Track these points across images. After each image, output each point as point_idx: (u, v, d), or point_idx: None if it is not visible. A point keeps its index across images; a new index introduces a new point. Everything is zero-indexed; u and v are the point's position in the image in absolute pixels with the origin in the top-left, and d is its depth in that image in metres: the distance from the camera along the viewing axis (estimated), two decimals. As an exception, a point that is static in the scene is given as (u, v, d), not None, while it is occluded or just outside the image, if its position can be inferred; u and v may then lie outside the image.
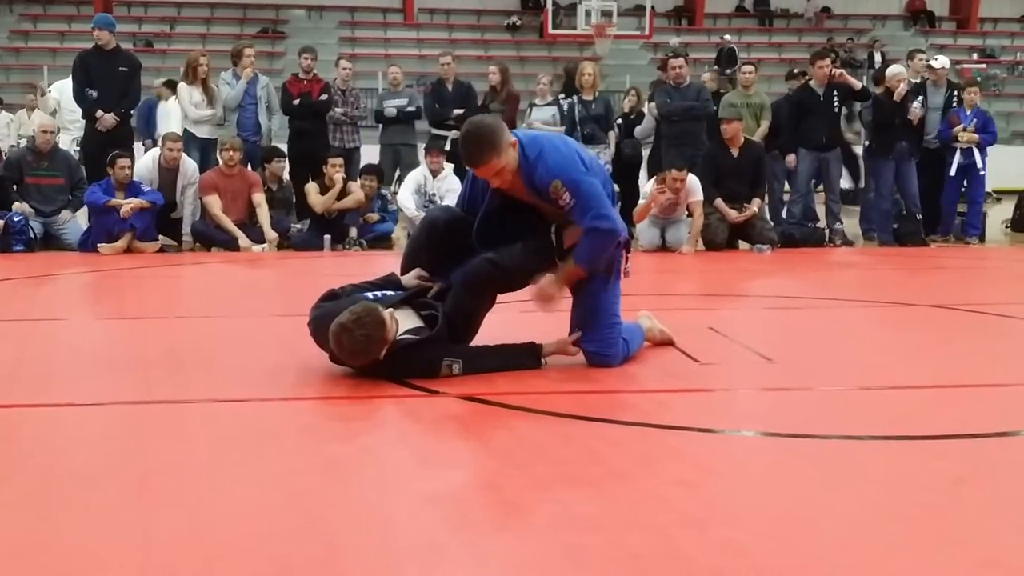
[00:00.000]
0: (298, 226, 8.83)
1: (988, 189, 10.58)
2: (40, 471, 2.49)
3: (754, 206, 8.54)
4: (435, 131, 9.75)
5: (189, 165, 8.52)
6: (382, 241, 8.81)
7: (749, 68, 9.80)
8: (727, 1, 24.56)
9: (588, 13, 19.35)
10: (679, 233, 8.35)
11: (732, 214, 8.45)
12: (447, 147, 9.16)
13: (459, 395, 3.20)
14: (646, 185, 8.80)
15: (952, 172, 9.46)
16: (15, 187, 8.46)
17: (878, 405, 3.28)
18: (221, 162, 8.58)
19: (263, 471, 2.50)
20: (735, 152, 8.60)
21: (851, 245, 9.17)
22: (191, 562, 1.92)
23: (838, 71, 9.28)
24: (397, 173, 9.99)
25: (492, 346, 3.57)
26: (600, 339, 3.62)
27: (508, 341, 3.61)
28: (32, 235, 8.20)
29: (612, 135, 9.68)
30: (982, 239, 9.82)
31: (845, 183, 10.53)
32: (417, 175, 8.90)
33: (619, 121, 10.02)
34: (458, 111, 9.60)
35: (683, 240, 8.29)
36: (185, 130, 9.13)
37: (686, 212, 8.34)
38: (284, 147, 9.39)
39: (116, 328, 4.87)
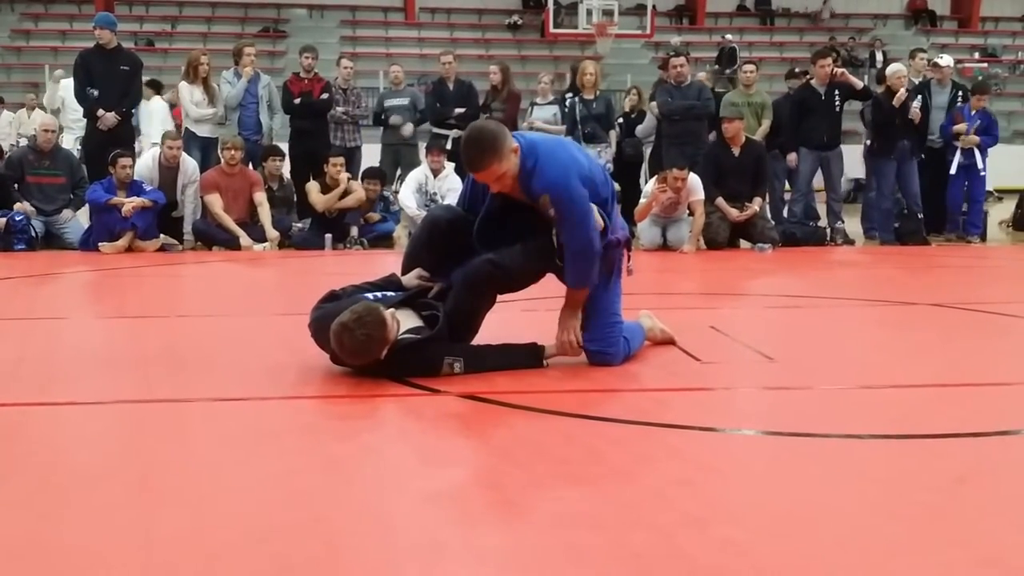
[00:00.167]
0: (299, 225, 8.84)
1: (990, 188, 10.58)
2: (41, 470, 2.49)
3: (755, 205, 8.54)
4: (436, 130, 9.75)
5: (189, 164, 8.52)
6: (383, 240, 8.81)
7: (750, 67, 9.80)
8: (728, 0, 24.56)
9: (589, 12, 19.34)
10: (680, 232, 8.35)
11: (733, 213, 8.45)
12: (448, 146, 9.17)
13: (460, 394, 3.20)
14: (647, 184, 8.80)
15: (952, 171, 9.47)
16: (16, 186, 8.47)
17: (879, 404, 3.28)
18: (222, 161, 8.58)
19: (264, 470, 2.50)
20: (736, 151, 8.60)
21: (852, 244, 9.17)
22: (192, 560, 1.92)
23: (839, 70, 9.28)
24: (398, 172, 10.00)
25: (493, 345, 3.57)
26: (601, 338, 3.62)
27: (509, 340, 3.61)
28: (33, 234, 8.21)
29: (613, 134, 9.68)
30: (983, 238, 9.82)
31: (846, 183, 10.53)
32: (418, 174, 8.90)
33: (620, 120, 10.02)
34: (459, 110, 9.62)
35: (684, 239, 8.29)
36: (186, 129, 9.16)
37: (687, 211, 8.35)
38: (285, 146, 9.40)
39: (117, 327, 4.87)
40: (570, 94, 9.51)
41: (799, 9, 24.41)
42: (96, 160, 8.53)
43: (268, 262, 7.88)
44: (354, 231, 8.64)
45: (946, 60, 10.03)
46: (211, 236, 8.47)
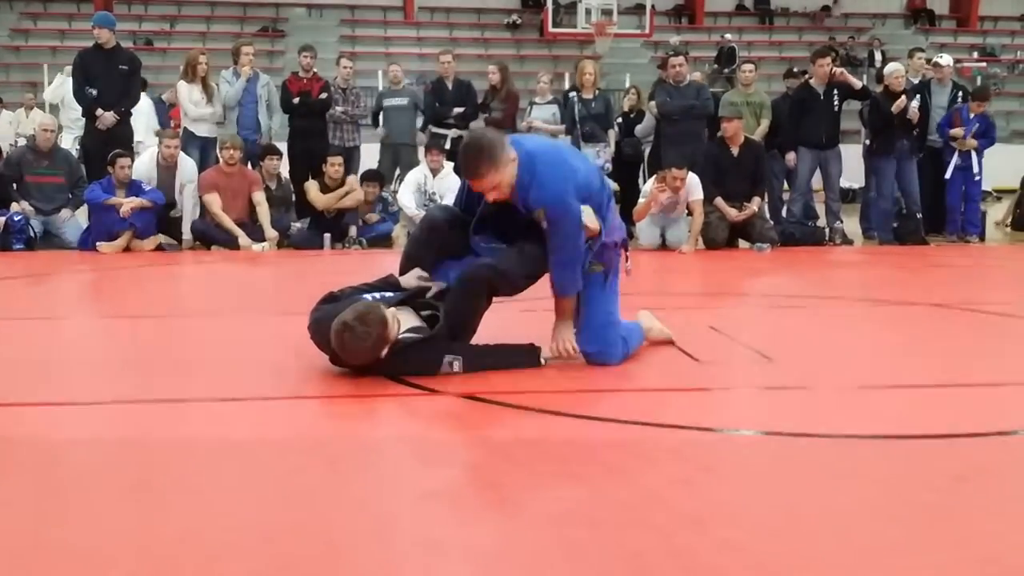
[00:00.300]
0: (298, 225, 8.83)
1: (988, 188, 10.59)
2: (40, 470, 2.49)
3: (754, 205, 8.54)
4: (435, 129, 9.74)
5: (187, 163, 8.52)
6: (382, 240, 8.81)
7: (749, 67, 9.80)
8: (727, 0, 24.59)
9: (588, 11, 19.36)
10: (679, 232, 8.35)
11: (732, 213, 8.45)
12: (447, 146, 9.16)
13: (459, 394, 3.20)
14: (646, 184, 8.80)
15: (948, 174, 9.49)
16: (15, 186, 8.47)
17: (878, 404, 3.28)
18: (221, 160, 8.58)
19: (264, 470, 2.50)
20: (735, 151, 8.60)
21: (851, 244, 9.17)
22: (192, 560, 1.92)
23: (838, 70, 9.28)
24: (397, 172, 10.00)
25: (492, 345, 3.57)
26: (599, 338, 3.63)
27: (508, 340, 3.61)
28: (32, 233, 8.20)
29: (612, 134, 9.68)
30: (982, 238, 9.82)
31: (845, 182, 10.52)
32: (417, 174, 8.89)
33: (619, 120, 10.01)
34: (458, 109, 9.62)
35: (683, 239, 8.29)
36: (185, 128, 9.15)
37: (686, 211, 8.35)
38: (284, 146, 9.40)
39: (116, 327, 4.87)
40: (572, 92, 9.52)
41: (798, 9, 24.42)
42: (95, 160, 8.52)
43: (267, 262, 7.87)
44: (353, 231, 8.63)
45: (946, 60, 10.03)
46: (210, 236, 8.46)
